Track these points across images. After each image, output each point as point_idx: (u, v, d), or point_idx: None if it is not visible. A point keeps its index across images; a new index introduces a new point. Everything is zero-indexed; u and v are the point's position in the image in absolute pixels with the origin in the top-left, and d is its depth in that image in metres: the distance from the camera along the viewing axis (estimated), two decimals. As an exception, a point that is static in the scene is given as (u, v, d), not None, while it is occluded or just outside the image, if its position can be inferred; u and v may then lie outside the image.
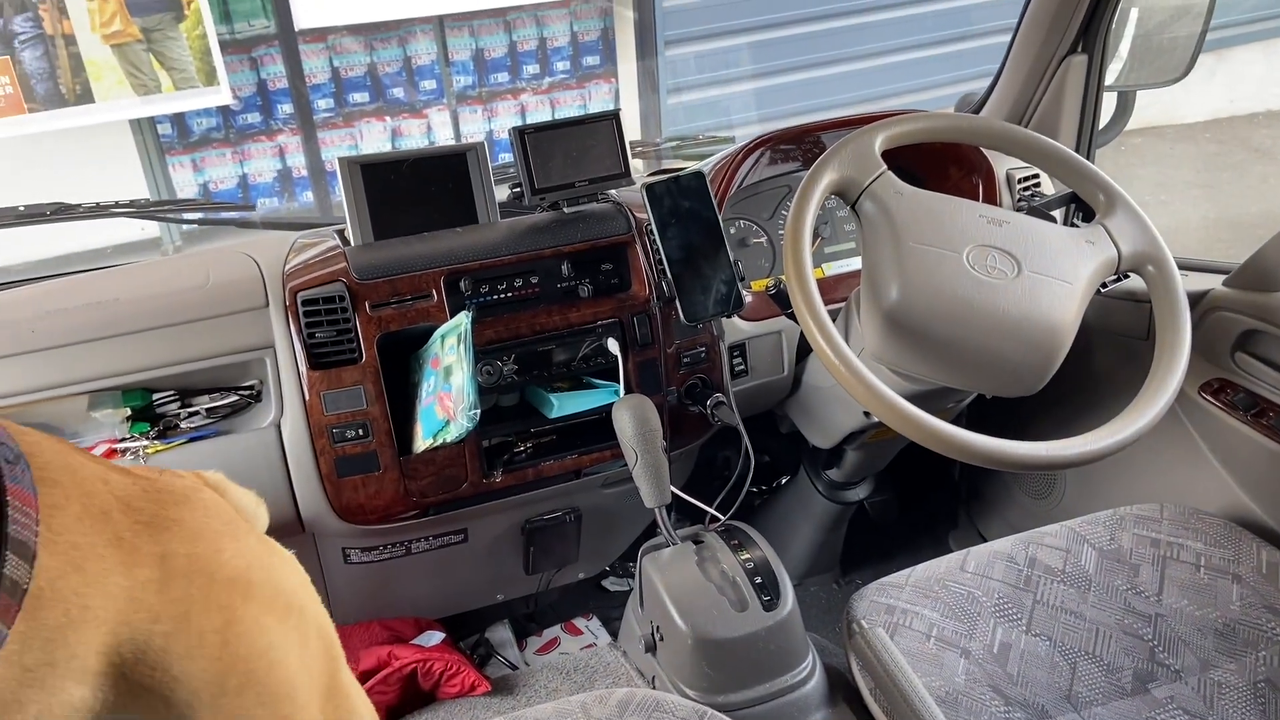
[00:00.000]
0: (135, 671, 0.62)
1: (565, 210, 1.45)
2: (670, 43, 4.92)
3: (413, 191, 1.41)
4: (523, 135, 1.39)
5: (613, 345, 1.40)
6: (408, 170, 1.41)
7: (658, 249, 1.36)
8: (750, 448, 1.35)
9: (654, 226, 1.35)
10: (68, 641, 0.57)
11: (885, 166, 1.24)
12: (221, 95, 4.23)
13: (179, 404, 1.37)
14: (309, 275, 1.34)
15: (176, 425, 1.36)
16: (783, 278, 1.24)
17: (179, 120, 4.50)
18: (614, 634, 1.87)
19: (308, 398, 1.32)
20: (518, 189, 1.42)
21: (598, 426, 1.42)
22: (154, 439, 1.33)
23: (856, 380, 1.11)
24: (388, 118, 4.85)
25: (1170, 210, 4.82)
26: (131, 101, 4.13)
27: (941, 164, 1.67)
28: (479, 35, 4.90)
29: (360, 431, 1.33)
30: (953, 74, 5.35)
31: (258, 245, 1.46)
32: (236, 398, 1.38)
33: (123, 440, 1.33)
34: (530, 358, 1.40)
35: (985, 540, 1.96)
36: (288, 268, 1.37)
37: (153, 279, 1.38)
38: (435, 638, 1.66)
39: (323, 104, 4.71)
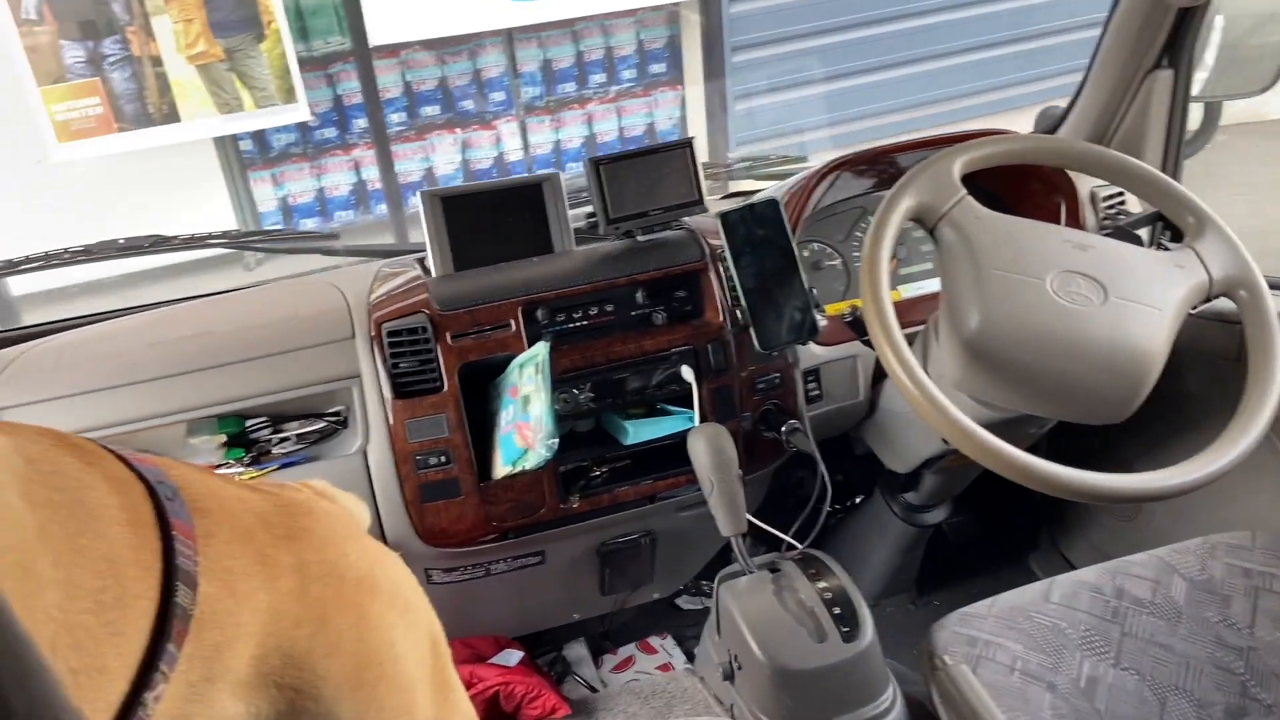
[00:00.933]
0: (285, 676, 0.67)
1: (639, 238, 1.46)
2: (737, 48, 4.91)
3: (491, 222, 1.44)
4: (598, 166, 1.41)
5: (687, 372, 1.41)
6: (486, 202, 1.44)
7: (732, 276, 1.37)
8: (826, 474, 1.35)
9: (728, 254, 1.36)
10: (223, 657, 0.62)
11: (964, 191, 1.23)
12: (300, 112, 4.35)
13: (271, 429, 1.42)
14: (392, 306, 1.37)
15: (269, 451, 1.41)
16: (858, 304, 1.23)
17: (259, 137, 4.64)
18: (688, 653, 1.88)
19: (392, 426, 1.35)
20: (593, 217, 1.44)
21: (672, 452, 1.44)
22: (248, 465, 1.38)
23: (935, 409, 1.10)
24: (458, 129, 4.93)
25: (1260, 211, 4.65)
26: (215, 120, 4.27)
27: (1023, 181, 1.65)
28: (547, 46, 4.96)
29: (442, 459, 1.36)
30: (1027, 73, 5.24)
31: (344, 275, 1.51)
32: (325, 424, 1.42)
33: (219, 466, 1.38)
34: (606, 385, 1.42)
35: (1068, 563, 1.93)
36: (372, 299, 1.41)
37: (246, 311, 1.43)
38: (514, 656, 1.69)
39: (396, 118, 4.81)
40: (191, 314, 1.43)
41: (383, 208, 4.85)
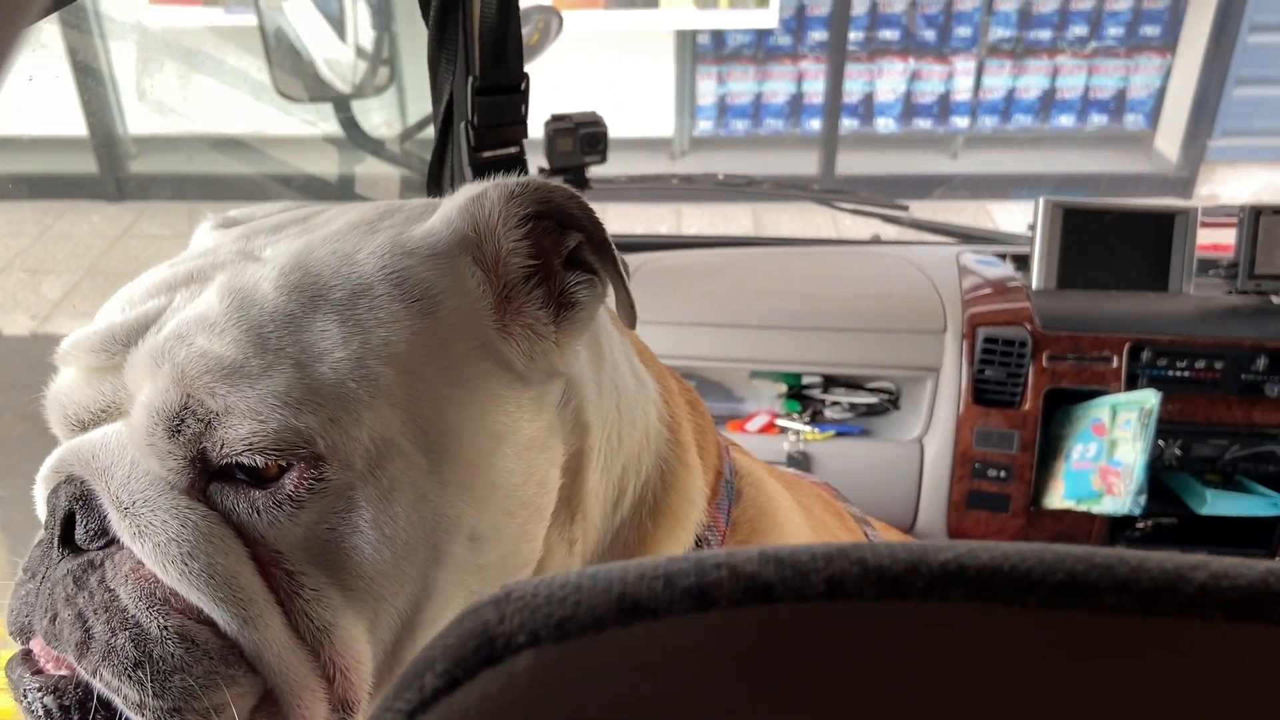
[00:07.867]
0: None
1: (1275, 299, 1.33)
2: (1257, 28, 4.30)
3: (1108, 245, 1.37)
4: (1258, 214, 1.29)
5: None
6: (1110, 222, 1.37)
7: None
8: None
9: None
10: None
11: None
12: (769, 17, 4.39)
13: (821, 389, 1.47)
14: (991, 308, 1.36)
15: (822, 412, 1.47)
16: None
17: (717, 33, 4.73)
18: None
19: (959, 427, 1.36)
20: (1231, 269, 1.33)
21: (1231, 526, 1.33)
22: (808, 423, 1.44)
23: None
24: (911, 59, 4.76)
25: None
26: (689, 12, 4.42)
27: None
28: (1034, -15, 4.62)
29: (1002, 473, 1.35)
30: None
31: (921, 256, 1.51)
32: (878, 400, 1.45)
33: (780, 417, 1.46)
34: (1198, 445, 1.33)
35: None
36: (966, 294, 1.40)
37: (838, 276, 1.47)
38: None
39: (852, 35, 4.71)
40: (787, 265, 1.49)
41: (814, 123, 4.82)
